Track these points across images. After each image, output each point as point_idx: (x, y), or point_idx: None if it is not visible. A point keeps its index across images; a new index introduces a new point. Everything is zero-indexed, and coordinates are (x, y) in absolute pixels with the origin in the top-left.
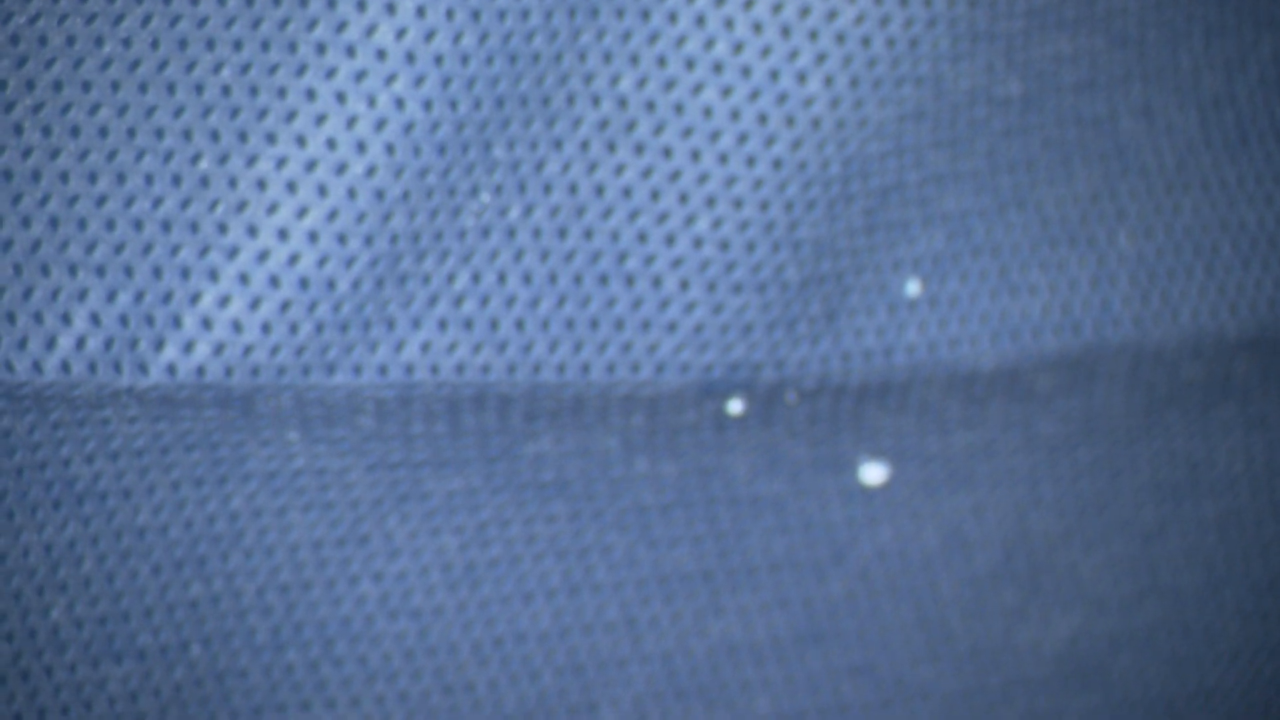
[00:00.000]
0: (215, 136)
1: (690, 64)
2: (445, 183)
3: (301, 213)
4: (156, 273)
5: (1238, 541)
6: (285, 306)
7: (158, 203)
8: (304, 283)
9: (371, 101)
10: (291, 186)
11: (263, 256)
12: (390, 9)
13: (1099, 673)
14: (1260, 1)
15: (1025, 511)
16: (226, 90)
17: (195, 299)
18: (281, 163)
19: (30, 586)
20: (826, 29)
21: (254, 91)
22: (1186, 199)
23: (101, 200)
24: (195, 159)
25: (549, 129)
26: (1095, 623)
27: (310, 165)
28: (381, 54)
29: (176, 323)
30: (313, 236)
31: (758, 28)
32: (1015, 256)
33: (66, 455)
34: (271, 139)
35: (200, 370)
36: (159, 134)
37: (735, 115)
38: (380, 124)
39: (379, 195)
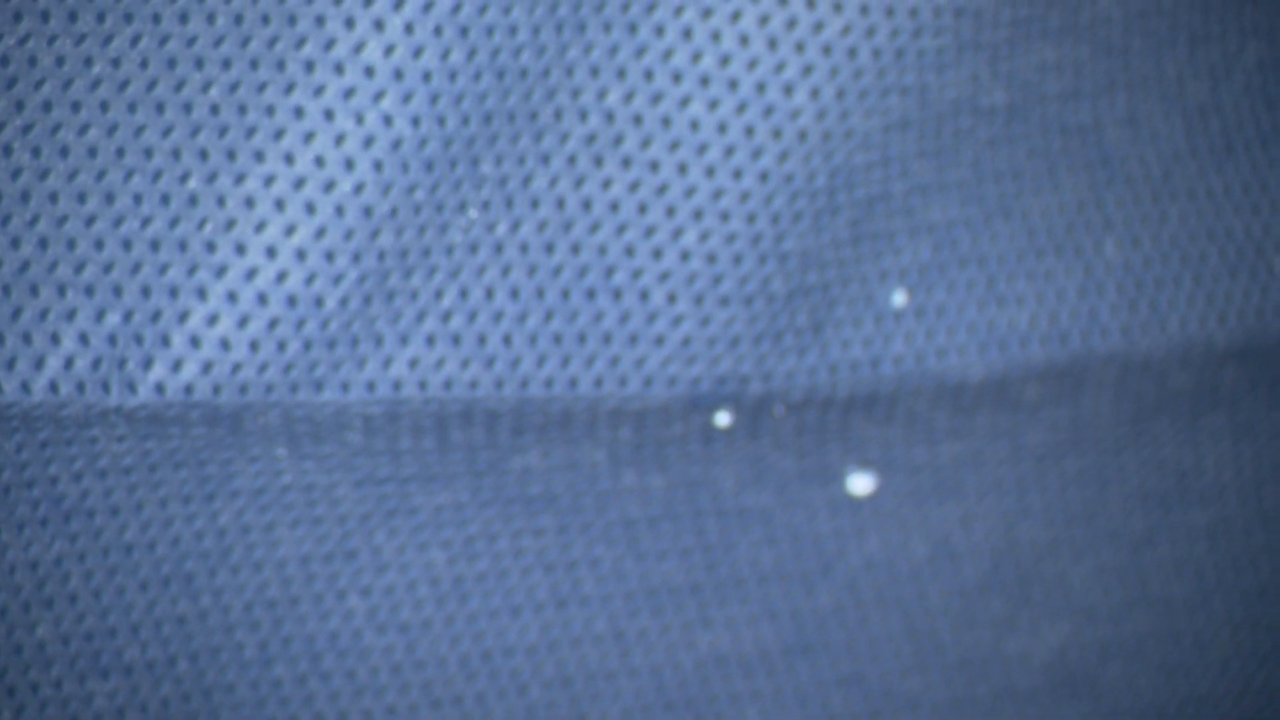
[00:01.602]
0: (204, 155)
1: (677, 77)
2: (433, 199)
3: (289, 230)
4: (145, 292)
5: (1227, 550)
6: (273, 324)
7: (146, 222)
8: (292, 300)
9: (359, 119)
10: (279, 204)
11: (251, 274)
12: (378, 26)
13: (1088, 682)
14: (1244, 9)
15: (1013, 521)
16: (215, 109)
17: (183, 318)
18: (269, 181)
19: (16, 603)
20: (813, 41)
21: (242, 110)
22: (1173, 208)
23: (90, 220)
24: (184, 178)
25: (536, 144)
26: (1084, 632)
27: (298, 183)
28: (369, 71)
29: (164, 341)
30: (300, 254)
31: (744, 40)
32: (1002, 266)
33: (54, 474)
34: (259, 157)
35: (188, 388)
36: (148, 153)
37: (722, 128)
38: (368, 141)
39: (366, 212)
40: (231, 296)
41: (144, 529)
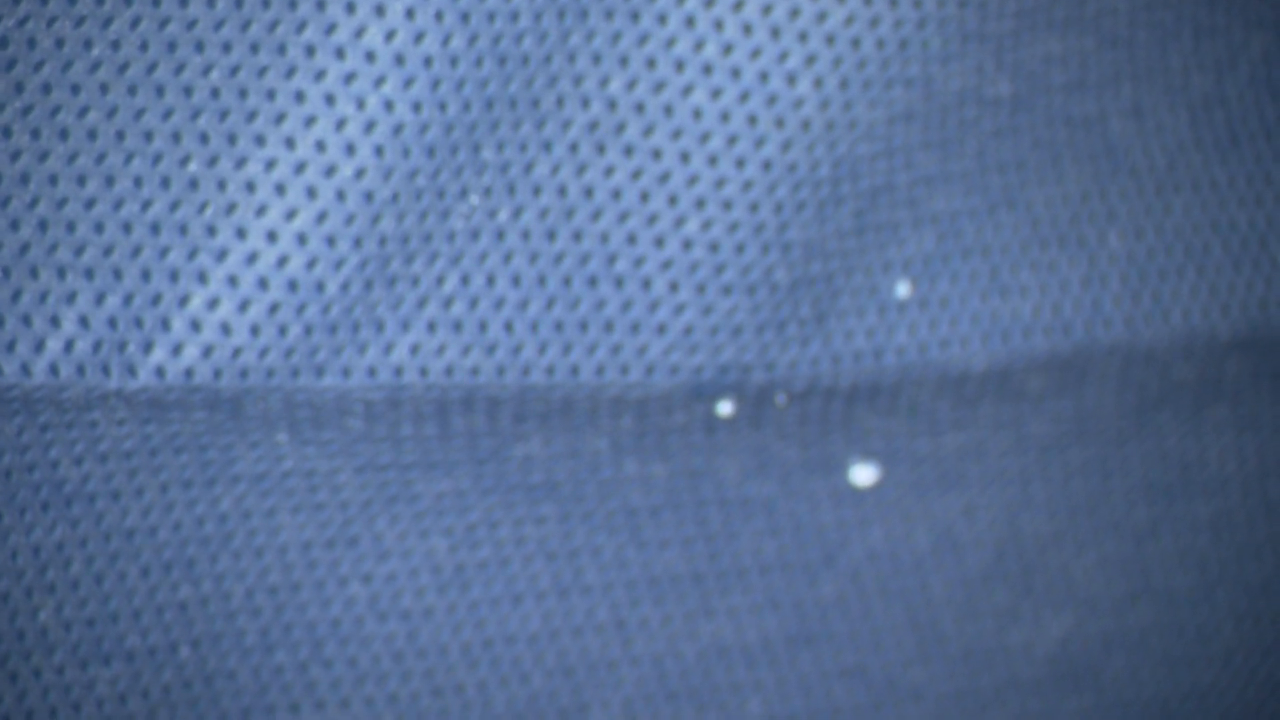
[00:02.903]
0: (204, 139)
1: (680, 65)
2: (434, 185)
3: (290, 215)
4: (145, 275)
5: (1230, 542)
6: (274, 308)
7: (146, 205)
8: (293, 285)
9: (360, 104)
10: (280, 189)
11: (251, 259)
12: (379, 11)
13: (1091, 674)
14: (1250, 1)
15: (1016, 512)
16: (215, 92)
17: (184, 301)
18: (270, 165)
19: (18, 588)
20: (816, 30)
21: (243, 94)
22: (1177, 199)
23: (90, 203)
24: (184, 161)
25: (538, 131)
26: (1087, 624)
27: (299, 167)
28: (370, 56)
29: (165, 325)
30: (301, 238)
31: (747, 29)
32: (1005, 257)
33: (55, 458)
34: (260, 141)
35: (189, 372)
36: (148, 136)
37: (725, 117)
38: (369, 126)
39: (368, 197)
40: (232, 280)
41: (145, 514)
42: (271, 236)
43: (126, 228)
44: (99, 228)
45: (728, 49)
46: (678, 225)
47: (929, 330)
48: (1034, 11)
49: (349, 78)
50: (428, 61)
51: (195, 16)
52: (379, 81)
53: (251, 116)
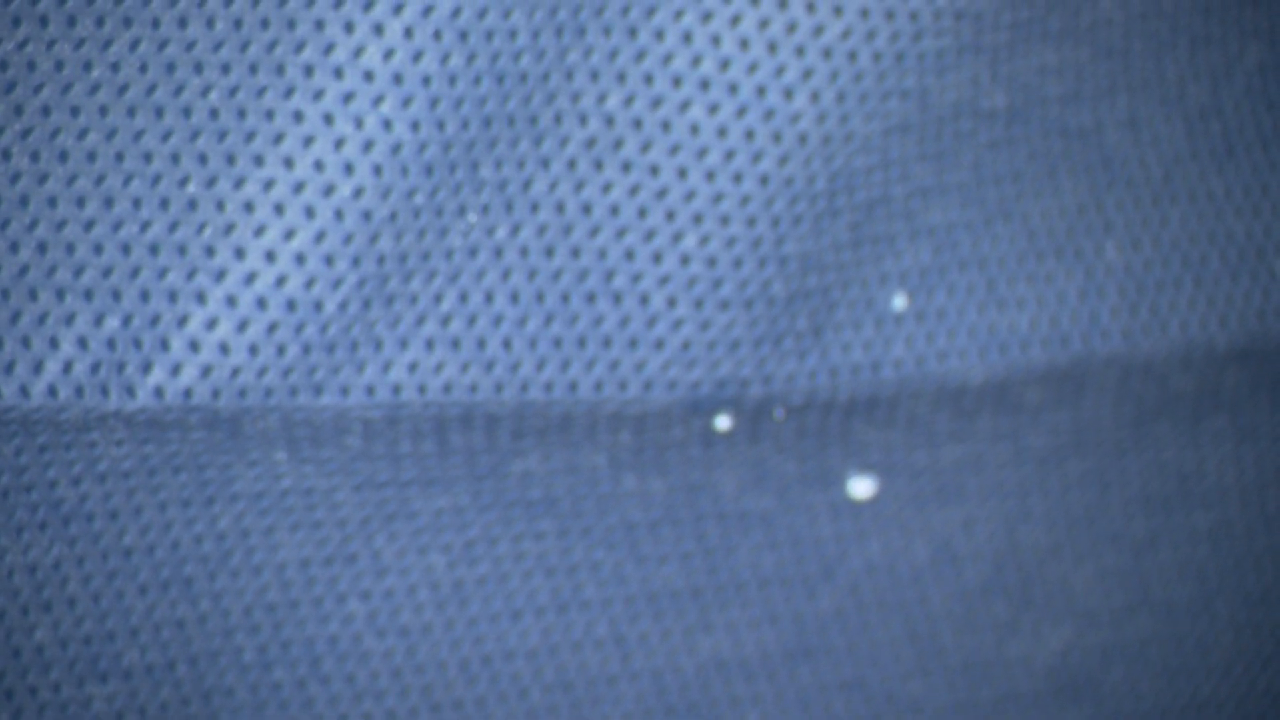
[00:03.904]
0: (203, 159)
1: (677, 81)
2: (432, 203)
3: (289, 234)
4: (144, 296)
5: (1229, 553)
6: (272, 328)
7: (145, 226)
8: (291, 304)
9: (359, 123)
10: (279, 208)
11: (250, 278)
12: (378, 30)
13: (1091, 686)
14: (1245, 11)
15: (1015, 524)
16: (214, 113)
17: (182, 321)
18: (269, 185)
19: (15, 607)
20: (813, 44)
21: (241, 114)
22: (1174, 210)
23: (89, 224)
24: (183, 182)
25: (536, 148)
26: (1087, 635)
27: (298, 187)
28: (369, 75)
29: (164, 345)
30: (300, 258)
31: (744, 44)
32: (1002, 269)
33: (53, 478)
34: (259, 161)
35: (187, 392)
36: (147, 157)
37: (722, 132)
38: (368, 145)
39: (366, 216)
40: (230, 300)
41: (143, 533)
42: (270, 256)
43: (125, 249)
44: (98, 249)
45: (725, 64)
46: (675, 240)
47: (926, 343)
48: (1029, 23)
49: (347, 97)
50: (426, 80)
51: (194, 38)
52: (377, 101)
53: (250, 137)
